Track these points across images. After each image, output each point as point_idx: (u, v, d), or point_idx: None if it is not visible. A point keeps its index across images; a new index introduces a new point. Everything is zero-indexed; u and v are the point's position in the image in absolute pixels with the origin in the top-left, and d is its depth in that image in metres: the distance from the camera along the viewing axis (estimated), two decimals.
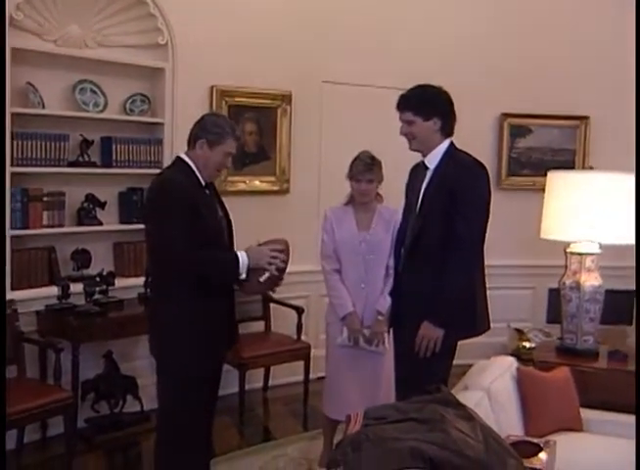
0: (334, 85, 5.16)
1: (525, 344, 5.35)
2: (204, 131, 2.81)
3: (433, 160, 2.97)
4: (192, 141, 2.84)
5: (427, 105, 2.92)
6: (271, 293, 3.05)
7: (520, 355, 4.87)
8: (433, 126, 2.93)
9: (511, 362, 3.22)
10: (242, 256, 2.76)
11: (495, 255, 4.33)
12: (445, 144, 2.97)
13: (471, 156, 2.97)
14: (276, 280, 2.88)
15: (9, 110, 3.78)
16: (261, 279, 2.81)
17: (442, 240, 2.85)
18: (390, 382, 3.28)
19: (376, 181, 3.58)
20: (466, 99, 4.46)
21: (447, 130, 2.97)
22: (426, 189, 2.96)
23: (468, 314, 2.91)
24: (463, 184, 2.83)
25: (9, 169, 3.86)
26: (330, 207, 3.78)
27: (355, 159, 3.60)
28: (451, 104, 2.98)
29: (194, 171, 2.80)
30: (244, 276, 2.77)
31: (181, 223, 2.65)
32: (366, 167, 3.54)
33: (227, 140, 2.82)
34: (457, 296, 2.84)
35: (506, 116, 5.64)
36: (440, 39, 5.33)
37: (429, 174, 2.97)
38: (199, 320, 2.75)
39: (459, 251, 2.81)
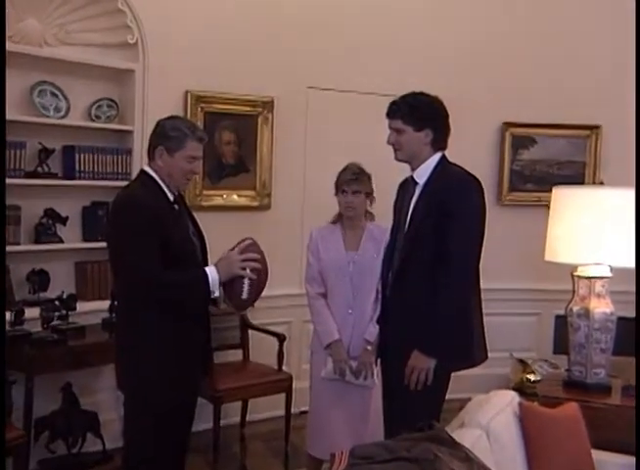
0: (320, 91, 5.16)
1: (528, 376, 5.29)
2: (161, 138, 2.80)
3: (422, 174, 2.99)
4: (150, 152, 2.84)
5: (419, 114, 2.94)
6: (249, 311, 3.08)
7: (523, 389, 4.87)
8: (423, 138, 2.95)
9: (513, 397, 3.19)
10: (211, 272, 2.75)
11: (495, 277, 4.35)
12: (436, 158, 2.99)
13: (463, 169, 2.99)
14: (257, 286, 2.84)
15: None
16: (243, 296, 2.81)
17: (433, 261, 2.85)
18: (379, 418, 3.27)
19: (363, 194, 3.61)
20: (463, 107, 4.49)
21: (440, 144, 2.99)
22: (415, 206, 2.97)
23: (463, 343, 2.90)
24: (454, 199, 2.85)
25: None
26: (316, 227, 3.79)
27: (343, 169, 3.65)
28: (446, 115, 3.01)
29: (159, 185, 2.80)
30: (217, 294, 2.76)
31: (145, 244, 2.65)
32: (353, 177, 3.58)
33: (187, 143, 2.78)
34: (450, 322, 2.83)
35: (508, 125, 5.65)
36: (436, 43, 5.35)
37: (418, 190, 2.99)
38: (170, 348, 2.74)
39: (451, 272, 2.81)
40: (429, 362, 2.85)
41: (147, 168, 2.84)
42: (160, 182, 2.80)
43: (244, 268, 2.78)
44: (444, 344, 2.84)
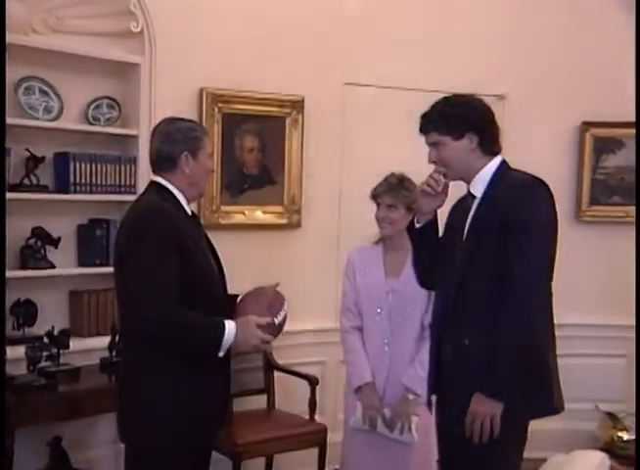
0: (358, 88, 5.14)
1: (620, 434, 5.24)
2: (180, 143, 2.91)
3: (479, 185, 2.94)
4: (170, 161, 2.91)
5: (453, 119, 2.90)
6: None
7: (614, 450, 4.82)
8: (468, 145, 2.90)
9: (602, 459, 3.11)
10: (229, 329, 2.76)
11: (573, 310, 4.22)
12: (494, 164, 2.94)
13: (527, 173, 2.93)
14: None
15: None
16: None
17: (495, 284, 2.77)
18: None
19: (403, 208, 3.63)
20: (532, 105, 4.39)
21: (490, 147, 2.94)
22: (472, 222, 2.92)
23: (537, 383, 2.78)
24: (517, 208, 2.77)
25: None
26: (356, 246, 3.83)
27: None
28: (488, 114, 2.97)
29: (178, 199, 2.90)
30: (221, 354, 2.78)
31: (168, 269, 2.70)
32: (388, 188, 3.66)
33: (205, 140, 2.99)
34: (518, 354, 2.71)
35: (588, 125, 5.57)
36: (496, 29, 5.29)
37: (475, 203, 2.94)
38: (183, 391, 2.77)
39: (517, 296, 2.71)
40: (494, 407, 2.73)
41: (159, 179, 2.92)
42: (177, 195, 2.90)
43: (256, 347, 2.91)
44: (512, 383, 2.72)
